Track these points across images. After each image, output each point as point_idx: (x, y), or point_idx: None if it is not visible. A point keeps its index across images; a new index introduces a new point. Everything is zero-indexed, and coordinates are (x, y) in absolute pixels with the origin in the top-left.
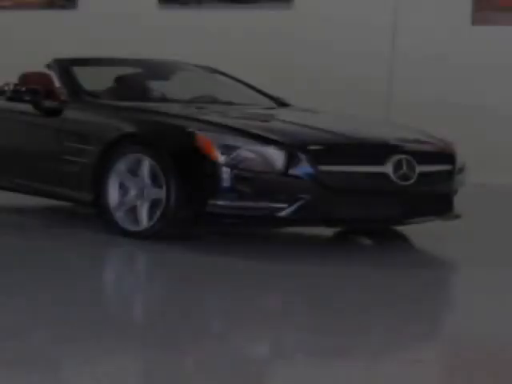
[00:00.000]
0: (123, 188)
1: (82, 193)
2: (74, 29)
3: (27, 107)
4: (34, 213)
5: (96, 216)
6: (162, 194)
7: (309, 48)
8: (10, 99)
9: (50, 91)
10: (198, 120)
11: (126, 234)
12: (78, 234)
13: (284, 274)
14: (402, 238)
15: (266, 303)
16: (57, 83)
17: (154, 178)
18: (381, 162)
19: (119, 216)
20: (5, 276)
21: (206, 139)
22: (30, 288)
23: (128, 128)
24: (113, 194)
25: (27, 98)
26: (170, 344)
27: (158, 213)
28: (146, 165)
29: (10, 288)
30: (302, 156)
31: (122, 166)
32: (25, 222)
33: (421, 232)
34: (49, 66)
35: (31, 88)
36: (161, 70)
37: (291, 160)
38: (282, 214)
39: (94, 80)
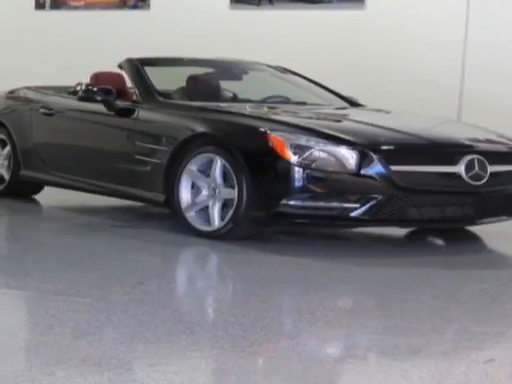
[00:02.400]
0: (195, 188)
1: (154, 193)
2: (146, 29)
3: (99, 107)
4: (104, 213)
5: (168, 216)
6: (233, 194)
7: (381, 47)
8: (82, 99)
9: (121, 91)
10: (271, 120)
11: (198, 234)
12: (149, 234)
13: (355, 275)
14: (474, 238)
15: (337, 303)
16: (129, 83)
17: (226, 178)
18: (453, 162)
19: (191, 216)
20: (78, 276)
21: (279, 139)
22: (103, 288)
23: (200, 128)
24: (185, 194)
25: (99, 98)
26: (242, 344)
27: (230, 213)
28: (218, 165)
29: (83, 288)
30: (375, 156)
31: (194, 166)
32: (95, 222)
33: (493, 232)
34: (121, 66)
35: (104, 88)
36: (233, 70)
37: (363, 160)
38: (354, 214)
39: (165, 80)
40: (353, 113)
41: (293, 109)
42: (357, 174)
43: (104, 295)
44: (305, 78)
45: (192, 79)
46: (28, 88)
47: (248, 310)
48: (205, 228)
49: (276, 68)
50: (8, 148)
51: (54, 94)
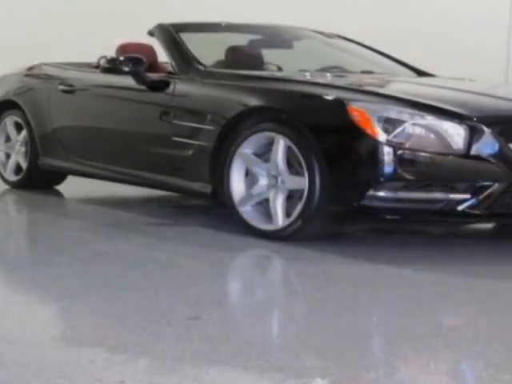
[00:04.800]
0: (250, 176)
1: (198, 183)
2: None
3: (127, 81)
4: (136, 207)
5: (214, 210)
6: (302, 183)
7: (424, 15)
8: (107, 71)
9: (152, 65)
10: (349, 88)
11: (256, 233)
12: (194, 234)
13: (449, 281)
14: None
15: (430, 319)
16: (160, 56)
17: (292, 163)
18: None
19: (246, 211)
20: (103, 310)
21: (363, 112)
22: (144, 329)
23: (256, 100)
24: (237, 184)
25: (127, 69)
26: (321, 372)
27: (298, 207)
28: (281, 146)
29: (111, 333)
30: (489, 131)
31: (248, 148)
32: (127, 219)
33: None
34: (151, 33)
35: (132, 57)
36: (283, 37)
37: (474, 137)
38: (462, 207)
39: (205, 49)
40: (435, 82)
41: (362, 78)
42: (466, 155)
43: (145, 344)
44: (362, 45)
45: (236, 47)
46: (45, 64)
47: (319, 333)
48: (265, 226)
49: (328, 35)
50: (24, 132)
51: (75, 68)
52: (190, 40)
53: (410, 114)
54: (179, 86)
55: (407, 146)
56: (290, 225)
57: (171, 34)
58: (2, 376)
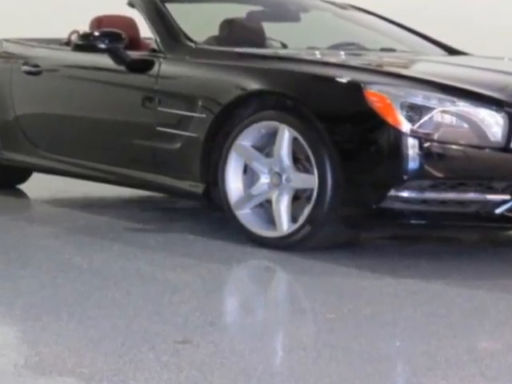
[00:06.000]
0: (249, 173)
1: (187, 181)
2: None
3: (103, 60)
4: (114, 209)
5: (206, 213)
6: (311, 181)
7: None
8: (80, 48)
9: (134, 42)
10: (367, 69)
11: (256, 241)
12: (183, 242)
13: (485, 298)
14: None
15: (462, 342)
16: (144, 31)
17: (298, 158)
18: None
19: (244, 215)
20: (81, 331)
21: (383, 97)
22: (120, 356)
23: (255, 84)
24: (234, 183)
25: (104, 46)
26: None
27: (306, 210)
28: (286, 138)
29: (85, 359)
30: None
31: (246, 140)
32: (104, 224)
33: None
34: (132, 4)
35: (109, 32)
36: (288, 8)
37: None
38: (501, 210)
39: (195, 22)
40: (469, 62)
41: (381, 57)
42: (505, 148)
43: (124, 373)
44: (381, 17)
45: (228, 25)
46: (6, 40)
47: (333, 363)
48: (267, 233)
49: (341, 5)
50: None
51: (41, 46)
52: (177, 12)
53: (439, 99)
54: (165, 67)
55: (435, 137)
56: (296, 231)
57: (155, 5)
58: None
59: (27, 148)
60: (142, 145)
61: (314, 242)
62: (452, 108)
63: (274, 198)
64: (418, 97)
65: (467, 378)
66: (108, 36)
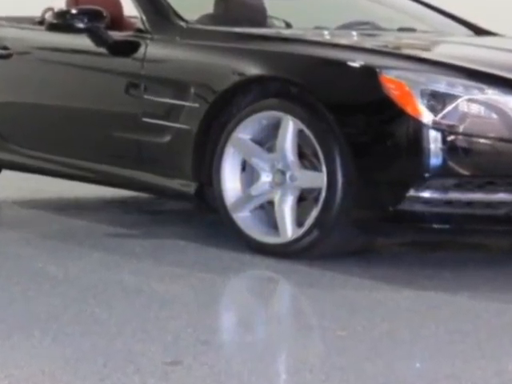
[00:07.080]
0: (249, 171)
1: (177, 179)
2: None
3: (82, 42)
4: (95, 211)
5: (197, 215)
6: (319, 180)
7: None
8: (55, 28)
9: (116, 21)
10: (381, 52)
11: (256, 248)
12: (172, 248)
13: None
14: None
15: (491, 364)
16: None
17: (304, 154)
18: None
19: (243, 218)
20: (56, 354)
21: (401, 83)
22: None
23: (255, 68)
24: (231, 182)
25: (82, 26)
26: None
27: (314, 213)
28: (290, 130)
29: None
30: None
31: (245, 133)
32: (83, 229)
33: None
34: None
35: (89, 9)
36: None
37: None
38: None
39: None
40: (499, 43)
41: (400, 38)
42: None
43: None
44: None
45: (224, 2)
46: None
47: None
48: (269, 239)
49: None
50: None
51: (11, 25)
52: None
53: (465, 86)
54: (152, 49)
55: (461, 129)
56: (302, 237)
57: None
58: None
59: None
60: (125, 138)
61: (323, 250)
62: (480, 96)
63: (276, 199)
64: (441, 83)
65: None
66: (87, 14)
